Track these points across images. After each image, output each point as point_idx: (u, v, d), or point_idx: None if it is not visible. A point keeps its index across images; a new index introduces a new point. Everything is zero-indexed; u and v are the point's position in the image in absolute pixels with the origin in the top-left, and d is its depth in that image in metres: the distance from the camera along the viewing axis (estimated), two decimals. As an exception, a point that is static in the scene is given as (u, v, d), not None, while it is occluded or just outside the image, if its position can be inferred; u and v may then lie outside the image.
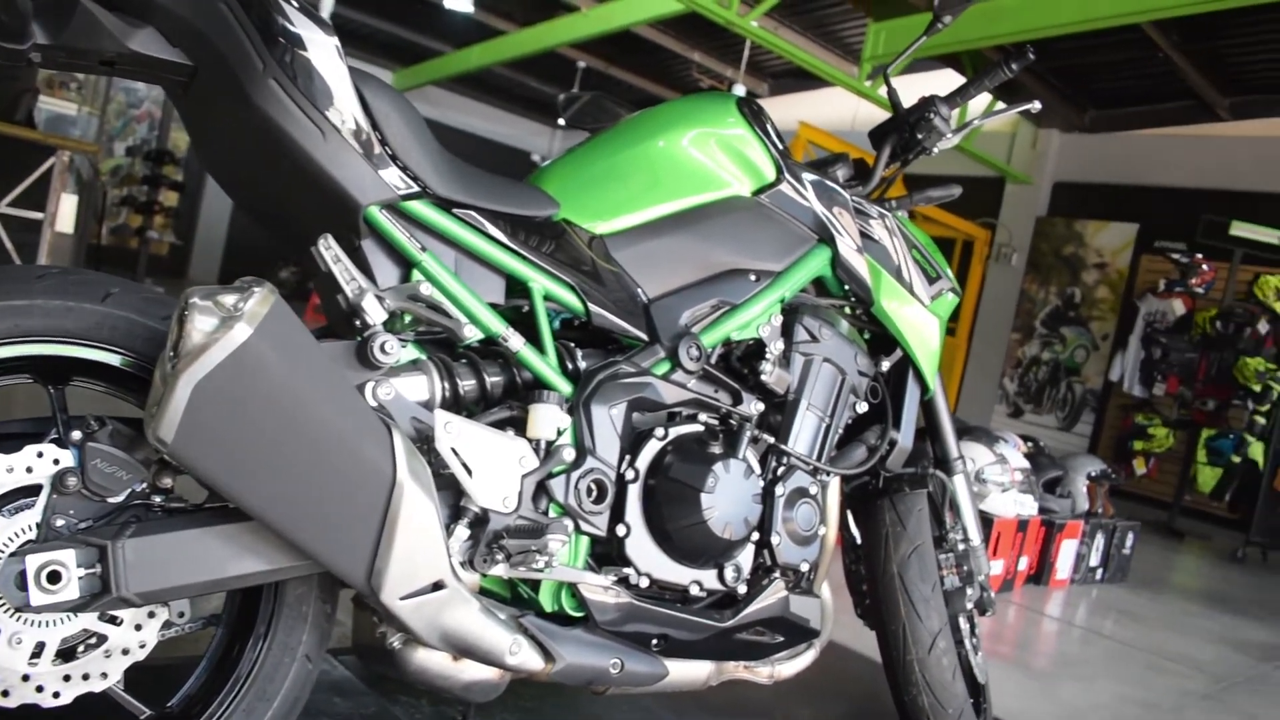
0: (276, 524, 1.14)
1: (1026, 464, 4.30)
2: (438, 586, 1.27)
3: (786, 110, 10.01)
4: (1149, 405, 8.17)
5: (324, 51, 1.26)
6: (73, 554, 1.11)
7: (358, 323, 1.32)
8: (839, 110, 9.84)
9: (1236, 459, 7.16)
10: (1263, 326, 7.34)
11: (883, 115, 8.01)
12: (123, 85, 11.54)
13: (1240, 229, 7.35)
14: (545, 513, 1.43)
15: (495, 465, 1.36)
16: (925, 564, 2.01)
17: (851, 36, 9.27)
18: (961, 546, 2.15)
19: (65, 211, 5.06)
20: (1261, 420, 7.09)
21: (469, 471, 1.33)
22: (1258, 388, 7.06)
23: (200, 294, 1.10)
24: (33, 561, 1.10)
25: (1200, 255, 7.74)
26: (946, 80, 7.90)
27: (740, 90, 9.46)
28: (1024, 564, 4.27)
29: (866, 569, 2.10)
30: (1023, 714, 2.63)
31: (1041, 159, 9.73)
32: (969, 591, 2.14)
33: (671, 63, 11.12)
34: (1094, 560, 4.70)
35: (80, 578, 1.11)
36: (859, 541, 2.15)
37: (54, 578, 1.10)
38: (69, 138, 5.63)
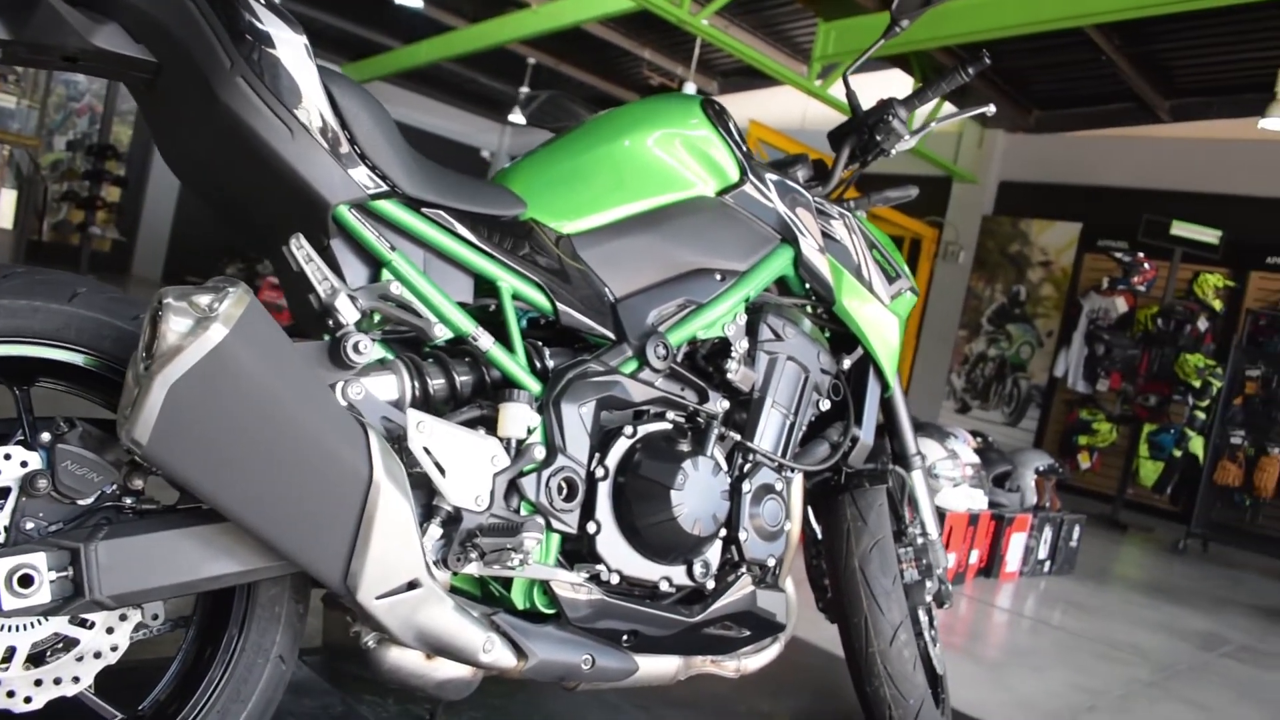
0: (252, 525, 1.13)
1: (977, 459, 4.37)
2: (412, 586, 1.27)
3: (736, 108, 9.94)
4: (1093, 401, 8.35)
5: (292, 49, 1.25)
6: (44, 557, 1.10)
7: (330, 322, 1.31)
8: (788, 109, 9.92)
9: (1177, 453, 7.35)
10: (1202, 323, 7.55)
11: (832, 114, 8.10)
12: (63, 78, 11.25)
13: (1180, 228, 7.54)
14: (517, 511, 1.43)
15: (467, 464, 1.36)
16: (886, 558, 2.04)
17: (801, 36, 9.34)
18: (920, 540, 2.20)
19: (4, 207, 4.96)
20: (1201, 415, 7.28)
21: (441, 470, 1.33)
22: (1197, 383, 7.25)
23: (174, 294, 1.09)
24: (3, 565, 1.08)
25: (1142, 254, 7.92)
26: (894, 79, 8.00)
27: (691, 88, 9.49)
28: (975, 557, 4.35)
29: (828, 563, 2.13)
30: (978, 703, 2.68)
31: (987, 159, 9.89)
32: (928, 584, 2.18)
33: (622, 60, 11.11)
34: (1042, 553, 4.80)
35: (52, 581, 1.10)
36: (820, 537, 2.18)
37: (25, 581, 1.08)
38: (8, 131, 5.52)
